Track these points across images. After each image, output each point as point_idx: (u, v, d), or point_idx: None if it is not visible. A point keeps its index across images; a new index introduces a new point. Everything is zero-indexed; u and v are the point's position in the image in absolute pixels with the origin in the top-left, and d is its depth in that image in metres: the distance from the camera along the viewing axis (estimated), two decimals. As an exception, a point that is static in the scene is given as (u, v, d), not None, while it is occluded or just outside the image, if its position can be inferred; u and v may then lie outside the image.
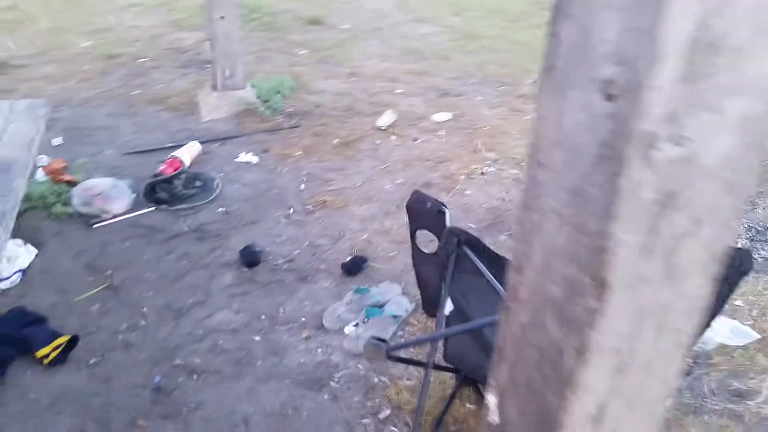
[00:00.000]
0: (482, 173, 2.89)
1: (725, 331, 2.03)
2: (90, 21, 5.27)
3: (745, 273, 1.25)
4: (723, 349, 1.97)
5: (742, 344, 1.99)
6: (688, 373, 1.88)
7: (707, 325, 1.63)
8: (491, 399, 0.79)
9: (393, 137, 3.27)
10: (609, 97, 0.51)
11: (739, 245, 2.41)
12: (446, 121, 3.46)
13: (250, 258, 2.35)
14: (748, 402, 1.80)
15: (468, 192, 2.76)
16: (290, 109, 3.58)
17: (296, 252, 2.42)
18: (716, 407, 1.78)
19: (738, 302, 2.18)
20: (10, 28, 4.99)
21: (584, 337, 0.62)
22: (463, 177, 2.86)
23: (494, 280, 1.41)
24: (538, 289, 0.67)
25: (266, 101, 3.55)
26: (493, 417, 0.80)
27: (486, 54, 4.67)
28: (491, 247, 1.47)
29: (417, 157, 3.08)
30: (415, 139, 3.26)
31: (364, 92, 3.88)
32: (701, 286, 0.63)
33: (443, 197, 2.67)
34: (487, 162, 3.01)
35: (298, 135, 3.31)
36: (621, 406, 0.69)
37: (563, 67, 0.56)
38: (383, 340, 1.32)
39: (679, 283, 0.61)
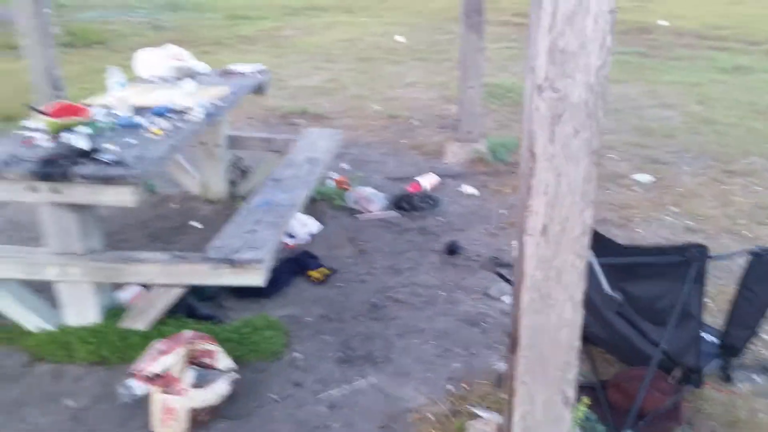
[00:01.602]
0: (658, 219, 3.39)
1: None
2: (383, 92, 6.92)
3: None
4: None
5: None
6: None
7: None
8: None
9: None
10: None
11: None
12: (644, 181, 3.99)
13: (451, 248, 3.25)
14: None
15: (638, 230, 3.29)
16: (512, 160, 4.46)
17: (484, 252, 3.25)
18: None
19: None
20: (328, 93, 6.87)
21: (529, 182, 1.39)
22: (638, 219, 3.39)
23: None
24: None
25: (494, 152, 4.51)
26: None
27: (713, 136, 4.97)
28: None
29: (604, 202, 3.69)
30: (607, 189, 3.86)
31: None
32: (588, 164, 1.36)
33: (613, 231, 3.26)
34: (668, 213, 3.48)
35: (512, 178, 4.16)
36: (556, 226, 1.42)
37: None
38: (496, 258, 2.08)
39: (574, 162, 1.36)
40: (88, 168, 2.13)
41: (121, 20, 12.95)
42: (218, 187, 3.95)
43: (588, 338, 2.18)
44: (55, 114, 2.51)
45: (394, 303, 2.81)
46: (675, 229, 3.35)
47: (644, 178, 4.05)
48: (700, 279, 1.79)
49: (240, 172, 4.02)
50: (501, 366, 2.29)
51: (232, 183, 4.01)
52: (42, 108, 2.57)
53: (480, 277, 3.00)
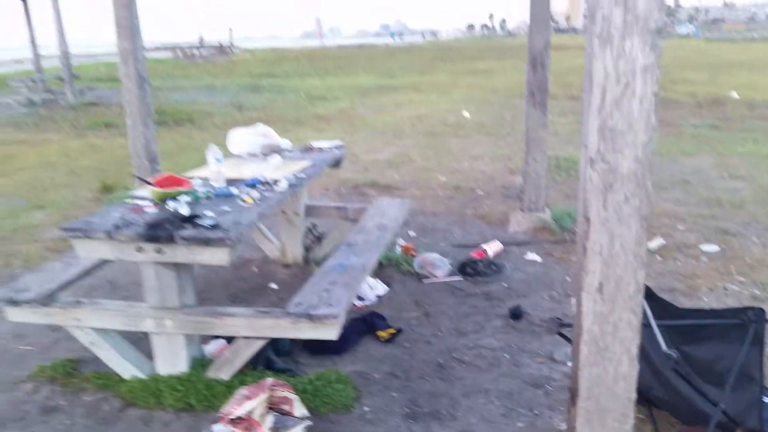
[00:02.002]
0: (724, 288, 3.37)
1: None
2: (449, 165, 7.19)
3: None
4: None
5: None
6: None
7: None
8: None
9: (657, 257, 3.96)
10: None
11: None
12: (713, 251, 3.97)
13: (515, 313, 3.34)
14: None
15: (705, 299, 3.28)
16: (576, 229, 4.54)
17: (548, 316, 3.32)
18: None
19: None
20: (396, 166, 7.20)
21: (584, 244, 1.54)
22: (705, 289, 3.39)
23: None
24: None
25: (558, 222, 4.61)
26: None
27: (786, 206, 4.90)
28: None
29: (671, 272, 3.70)
30: (676, 260, 3.87)
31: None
32: (639, 227, 1.49)
33: (680, 299, 3.27)
34: (734, 282, 3.46)
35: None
36: (611, 284, 1.54)
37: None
38: (560, 319, 2.18)
39: (626, 226, 1.50)
40: (189, 231, 2.42)
41: (208, 101, 14.04)
42: (295, 252, 4.23)
43: (650, 400, 2.22)
44: (160, 184, 2.85)
45: (459, 364, 2.92)
46: (741, 297, 3.32)
47: (712, 248, 4.04)
48: (758, 341, 1.83)
49: (315, 238, 4.30)
50: (564, 427, 2.33)
51: (307, 248, 4.28)
52: (148, 179, 2.93)
53: (544, 341, 3.06)
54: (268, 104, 13.64)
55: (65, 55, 14.30)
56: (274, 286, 3.94)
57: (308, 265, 4.19)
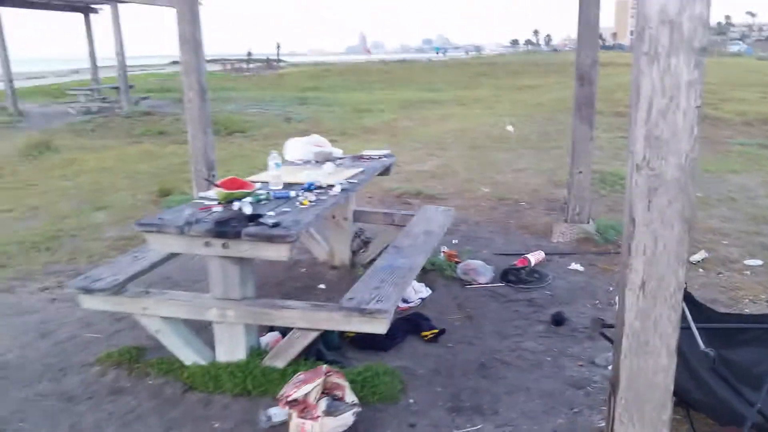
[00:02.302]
0: (767, 301, 3.39)
1: None
2: (492, 177, 7.29)
3: None
4: None
5: None
6: None
7: None
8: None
9: (700, 270, 3.99)
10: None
11: None
12: (756, 266, 3.98)
13: (557, 319, 3.43)
14: None
15: (747, 310, 3.31)
16: (620, 241, 4.59)
17: (589, 324, 3.39)
18: None
19: None
20: (440, 177, 7.34)
21: (629, 244, 1.65)
22: (747, 301, 3.41)
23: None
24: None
25: (602, 233, 4.66)
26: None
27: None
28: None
29: (714, 284, 3.73)
30: (719, 273, 3.90)
31: (691, 240, 4.63)
32: (681, 229, 1.60)
33: (721, 309, 3.29)
34: (780, 295, 3.47)
35: (621, 258, 4.28)
36: (653, 282, 1.64)
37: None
38: (602, 319, 2.28)
39: (669, 227, 1.60)
40: (253, 228, 2.60)
41: (258, 113, 14.47)
42: (342, 255, 4.40)
43: (687, 401, 2.29)
44: (225, 186, 3.06)
45: (501, 364, 3.02)
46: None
47: (756, 262, 4.05)
48: (797, 345, 1.90)
49: (362, 242, 4.46)
50: (603, 425, 2.41)
51: (354, 252, 4.45)
52: (216, 181, 3.15)
53: (585, 346, 3.14)
54: (315, 116, 13.98)
55: (122, 67, 14.96)
56: (322, 286, 4.11)
57: (355, 267, 4.36)
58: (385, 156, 4.37)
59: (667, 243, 1.63)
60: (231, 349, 2.88)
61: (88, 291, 2.96)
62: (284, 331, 3.00)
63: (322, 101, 17.32)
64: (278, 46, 46.20)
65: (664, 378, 1.68)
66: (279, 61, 43.43)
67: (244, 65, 37.66)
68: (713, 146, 8.94)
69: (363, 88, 23.14)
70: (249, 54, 41.82)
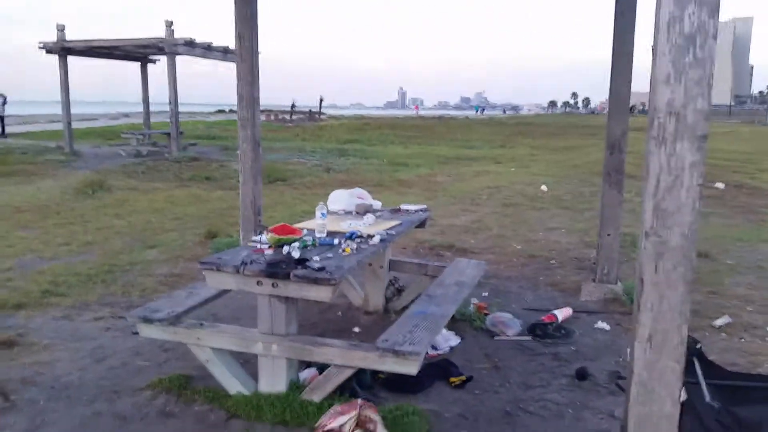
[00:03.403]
0: (790, 369, 3.48)
1: None
2: (525, 234, 7.50)
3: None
4: None
5: None
6: None
7: None
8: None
9: (722, 334, 4.10)
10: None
11: None
12: (782, 333, 4.07)
13: (581, 373, 3.58)
14: None
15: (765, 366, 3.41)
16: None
17: (607, 376, 3.53)
18: None
19: None
20: (473, 231, 7.58)
21: (638, 301, 1.86)
22: (767, 365, 3.51)
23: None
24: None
25: (629, 294, 4.81)
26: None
27: None
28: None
29: (735, 349, 3.83)
30: (741, 338, 4.00)
31: (716, 305, 4.75)
32: (683, 290, 1.81)
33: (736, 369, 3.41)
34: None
35: (646, 321, 4.42)
36: (659, 336, 1.85)
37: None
38: (619, 372, 2.45)
39: (673, 288, 1.82)
40: (301, 271, 2.89)
41: (299, 162, 15.05)
42: (376, 301, 4.65)
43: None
44: (276, 231, 3.38)
45: (525, 413, 3.19)
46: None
47: (780, 330, 4.14)
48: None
49: (396, 290, 4.71)
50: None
51: (388, 299, 4.69)
52: (268, 227, 3.47)
53: (608, 401, 3.28)
54: (353, 167, 14.47)
55: (174, 115, 15.82)
56: (356, 329, 4.35)
57: (388, 314, 4.59)
58: (421, 210, 4.65)
59: (672, 302, 1.85)
60: (273, 381, 3.12)
61: (147, 321, 3.27)
62: (321, 368, 3.24)
63: (361, 153, 17.88)
64: (321, 100, 47.77)
65: (667, 425, 1.87)
66: (321, 113, 44.82)
67: (287, 116, 39.01)
68: (748, 215, 8.99)
69: (401, 142, 23.76)
70: (293, 105, 43.31)
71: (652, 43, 1.89)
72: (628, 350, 1.99)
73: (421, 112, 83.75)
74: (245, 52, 4.94)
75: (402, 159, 16.50)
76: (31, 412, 3.12)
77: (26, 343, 4.00)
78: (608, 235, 5.01)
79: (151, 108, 19.75)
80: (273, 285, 2.94)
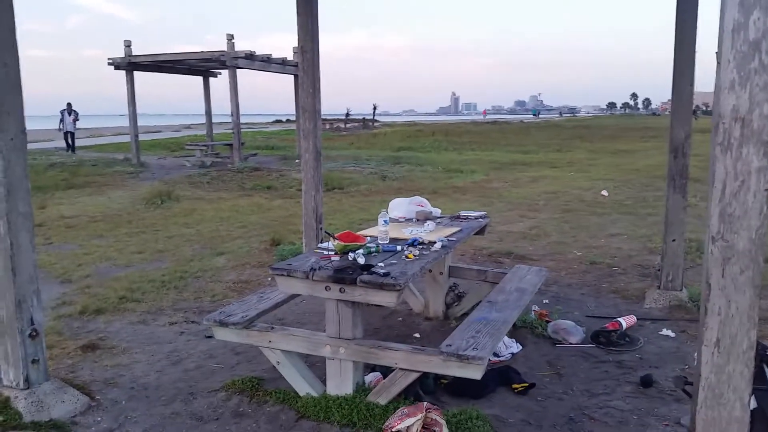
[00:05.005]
0: None
1: None
2: (585, 240, 7.40)
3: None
4: None
5: None
6: None
7: None
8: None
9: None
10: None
11: None
12: None
13: (646, 381, 3.55)
14: None
15: None
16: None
17: (672, 380, 3.48)
18: None
19: None
20: (531, 238, 7.55)
21: (705, 306, 1.88)
22: None
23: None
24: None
25: (694, 301, 4.71)
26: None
27: None
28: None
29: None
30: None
31: None
32: (752, 294, 1.82)
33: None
34: None
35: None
36: (727, 339, 1.85)
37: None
38: (685, 377, 2.44)
39: (741, 292, 1.83)
40: (367, 277, 3.00)
41: (355, 170, 15.28)
42: (436, 307, 4.72)
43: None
44: (342, 239, 3.51)
45: (589, 420, 3.19)
46: None
47: None
48: None
49: (456, 296, 4.77)
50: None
51: (448, 305, 4.76)
52: (334, 234, 3.60)
53: (672, 408, 3.25)
54: (408, 175, 14.58)
55: (236, 126, 16.36)
56: (416, 335, 4.43)
57: (447, 320, 4.66)
58: (481, 217, 4.71)
59: (740, 306, 1.85)
60: (340, 383, 3.25)
61: (222, 324, 3.45)
62: (385, 372, 3.34)
63: (415, 160, 17.98)
64: (374, 108, 48.27)
65: (738, 429, 1.87)
66: (374, 121, 45.27)
67: (342, 125, 39.61)
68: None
69: (454, 148, 23.74)
70: (347, 114, 43.95)
71: (716, 50, 1.91)
72: (696, 355, 2.00)
73: (475, 117, 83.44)
74: (307, 65, 5.13)
75: (456, 165, 16.50)
76: (114, 412, 3.35)
77: (107, 347, 4.28)
78: (673, 240, 4.92)
79: (214, 119, 20.49)
80: (340, 290, 3.06)
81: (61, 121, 20.26)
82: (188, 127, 44.04)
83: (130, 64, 16.84)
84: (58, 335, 4.45)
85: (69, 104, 20.37)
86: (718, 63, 1.85)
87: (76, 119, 20.44)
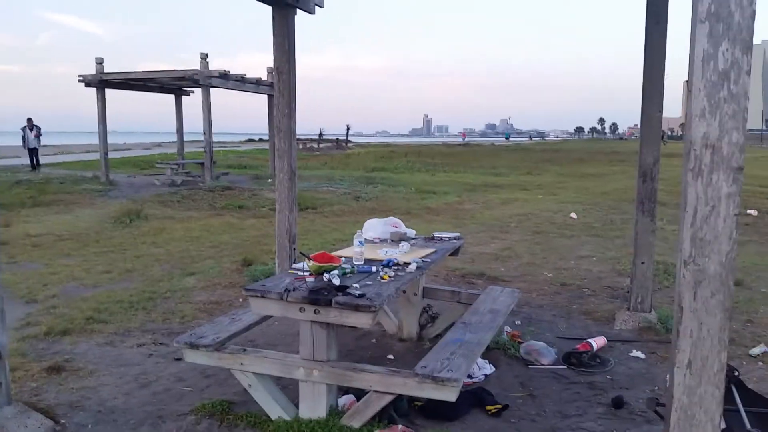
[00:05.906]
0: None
1: None
2: (555, 263, 7.50)
3: None
4: None
5: None
6: None
7: None
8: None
9: (759, 363, 4.06)
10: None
11: None
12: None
13: (617, 402, 3.58)
14: None
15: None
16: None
17: (645, 402, 3.52)
18: None
19: None
20: (503, 259, 7.61)
21: (677, 328, 1.91)
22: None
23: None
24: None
25: (663, 323, 4.79)
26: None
27: None
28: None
29: (776, 378, 3.80)
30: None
31: (752, 334, 4.70)
32: (722, 317, 1.86)
33: None
34: None
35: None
36: (699, 362, 1.89)
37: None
38: (657, 399, 2.47)
39: (712, 315, 1.87)
40: (342, 298, 2.99)
41: (329, 190, 15.26)
42: (410, 328, 4.71)
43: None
44: (317, 259, 3.49)
45: (562, 442, 3.20)
46: None
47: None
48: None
49: (429, 317, 4.76)
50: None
51: (422, 326, 4.75)
52: (309, 255, 3.58)
53: (644, 429, 3.28)
54: (381, 195, 14.62)
55: (208, 145, 16.23)
56: (390, 357, 4.41)
57: (421, 341, 4.64)
58: (455, 238, 4.73)
59: (711, 328, 1.89)
60: (313, 406, 3.20)
61: (193, 346, 3.38)
62: (358, 395, 3.31)
63: (388, 181, 18.05)
64: (348, 128, 48.47)
65: (709, 450, 1.90)
66: (348, 141, 45.44)
67: (315, 145, 39.65)
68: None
69: (427, 169, 23.91)
70: (320, 134, 44.03)
71: (686, 79, 1.97)
72: (668, 376, 2.03)
73: (447, 139, 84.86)
74: (283, 86, 5.13)
75: (429, 186, 16.61)
76: (80, 436, 3.24)
77: (73, 369, 4.15)
78: (642, 263, 5.01)
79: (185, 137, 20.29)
80: (315, 311, 3.04)
81: (24, 137, 19.77)
82: (159, 145, 43.52)
83: (101, 82, 16.62)
84: (21, 357, 4.30)
85: (29, 119, 19.78)
86: (689, 91, 1.91)
87: (38, 135, 19.90)
